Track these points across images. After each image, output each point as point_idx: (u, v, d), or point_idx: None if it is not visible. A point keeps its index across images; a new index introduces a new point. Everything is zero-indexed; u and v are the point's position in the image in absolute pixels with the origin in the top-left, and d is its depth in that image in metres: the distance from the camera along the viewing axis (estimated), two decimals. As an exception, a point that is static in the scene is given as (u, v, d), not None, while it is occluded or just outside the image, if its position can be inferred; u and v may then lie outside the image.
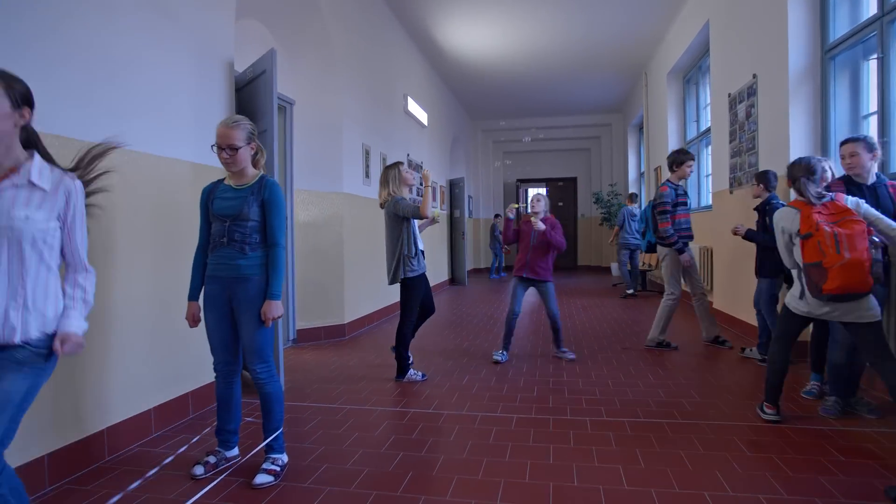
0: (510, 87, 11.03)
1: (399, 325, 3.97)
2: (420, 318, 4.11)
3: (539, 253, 4.31)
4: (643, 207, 9.20)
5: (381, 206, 4.02)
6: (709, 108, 7.37)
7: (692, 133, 8.02)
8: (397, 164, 4.05)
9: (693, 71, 7.85)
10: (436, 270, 9.70)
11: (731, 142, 5.48)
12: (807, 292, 2.73)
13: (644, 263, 9.68)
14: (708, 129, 7.08)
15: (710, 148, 7.38)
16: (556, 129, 14.10)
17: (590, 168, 14.67)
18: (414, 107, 8.24)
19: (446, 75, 10.13)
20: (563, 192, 14.84)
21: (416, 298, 3.93)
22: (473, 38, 8.30)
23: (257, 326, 2.32)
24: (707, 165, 7.50)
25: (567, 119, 13.73)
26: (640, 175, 12.17)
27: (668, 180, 4.79)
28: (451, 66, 9.56)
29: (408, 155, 8.01)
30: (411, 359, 4.27)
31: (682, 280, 4.78)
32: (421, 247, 4.04)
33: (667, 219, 4.61)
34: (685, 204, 4.70)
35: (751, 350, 4.40)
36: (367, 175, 6.21)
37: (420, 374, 3.92)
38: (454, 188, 11.06)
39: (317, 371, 4.20)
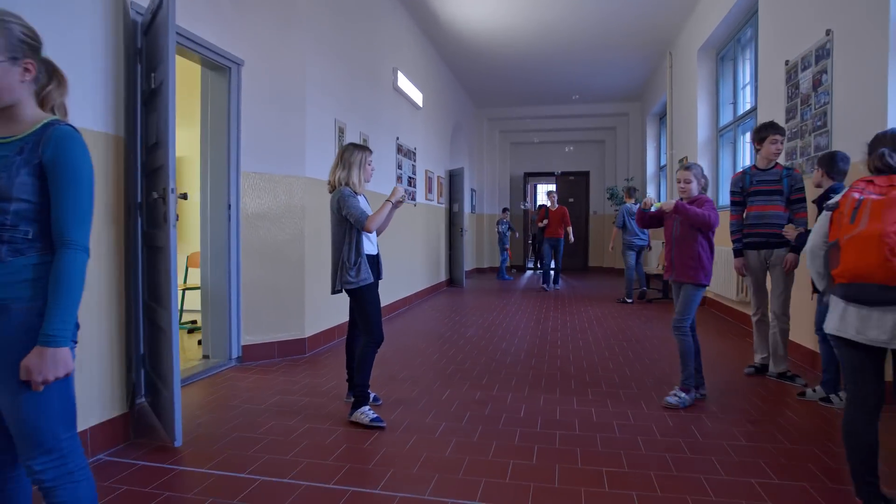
0: (517, 71, 9.94)
1: (360, 349, 2.99)
2: (350, 338, 3.26)
3: (683, 244, 3.16)
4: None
5: (330, 189, 3.07)
6: (748, 88, 6.28)
7: (727, 118, 6.91)
8: (366, 149, 3.09)
9: (730, 45, 6.73)
10: (431, 271, 8.67)
11: (787, 121, 4.39)
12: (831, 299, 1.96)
13: (661, 265, 8.58)
14: (750, 111, 5.98)
15: (749, 134, 6.29)
16: (568, 119, 12.99)
17: (604, 161, 13.54)
18: (405, 84, 7.19)
19: (446, 53, 9.06)
20: (574, 187, 13.73)
21: (371, 310, 2.98)
22: (475, 8, 7.23)
23: (23, 391, 1.29)
24: (746, 155, 6.41)
25: (580, 108, 12.60)
26: (661, 169, 11.05)
27: (750, 165, 3.81)
28: (449, 40, 8.48)
29: (397, 139, 6.97)
30: (374, 396, 3.26)
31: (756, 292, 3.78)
32: (371, 251, 3.08)
33: (736, 211, 3.73)
34: (769, 192, 3.60)
35: (813, 390, 3.35)
36: (341, 158, 5.17)
37: (372, 414, 2.88)
38: (453, 180, 10.00)
39: (248, 406, 3.18)
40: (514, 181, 14.00)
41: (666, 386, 3.55)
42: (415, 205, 7.74)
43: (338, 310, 5.09)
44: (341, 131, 5.19)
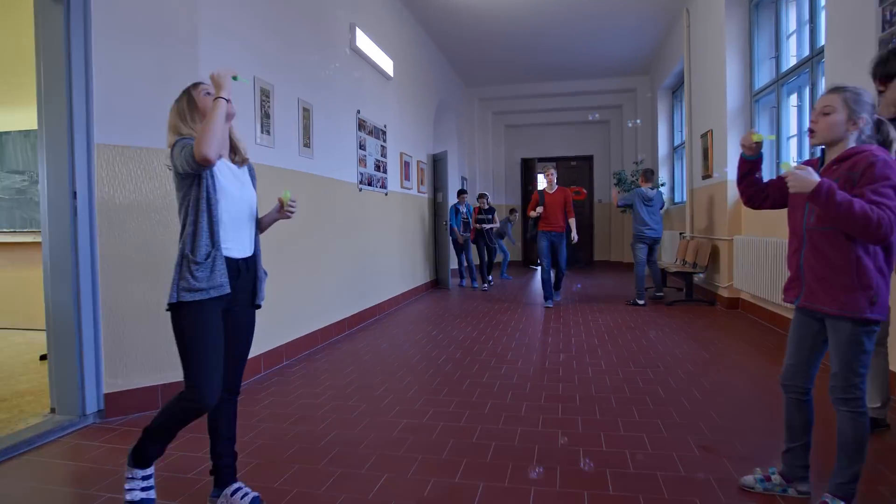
0: (509, 41, 8.62)
1: (170, 400, 1.87)
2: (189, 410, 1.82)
3: (826, 242, 1.75)
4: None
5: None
6: (794, 37, 4.97)
7: (765, 77, 5.59)
8: (188, 90, 1.89)
9: (769, -15, 5.41)
10: (410, 272, 7.38)
11: (881, 58, 3.08)
12: None
13: (680, 260, 7.31)
14: (800, 65, 4.66)
15: (796, 95, 4.98)
16: (568, 98, 11.63)
17: (609, 144, 12.21)
18: (369, 46, 5.88)
19: (425, 18, 7.72)
20: (576, 173, 12.41)
21: (195, 345, 1.75)
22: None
23: None
24: (791, 121, 5.10)
25: (581, 84, 11.24)
26: (675, 149, 9.74)
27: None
28: (427, 2, 7.17)
29: (358, 112, 5.67)
30: (244, 493, 1.99)
31: None
32: (237, 251, 1.89)
33: None
34: None
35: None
36: (265, 129, 3.89)
37: (137, 494, 1.69)
38: (437, 165, 8.69)
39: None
40: (510, 168, 12.68)
41: (733, 461, 2.26)
42: (386, 194, 6.46)
43: (262, 331, 3.83)
44: (265, 94, 3.89)
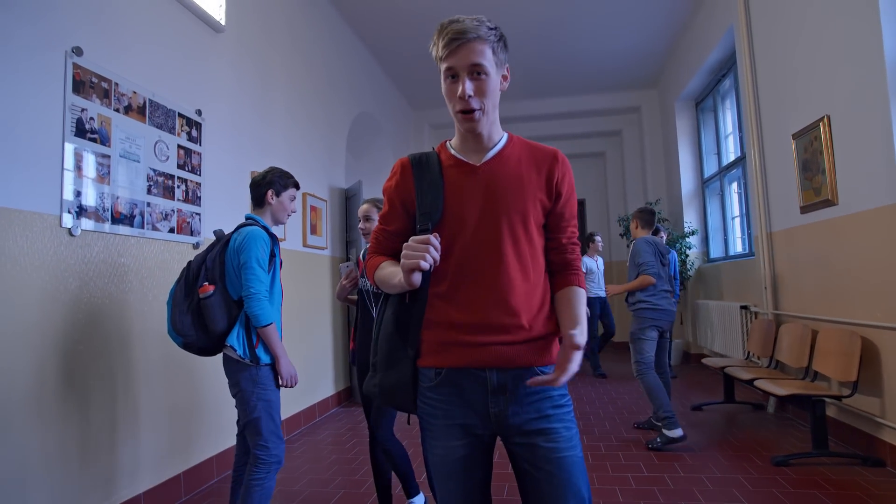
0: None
1: None
2: None
3: None
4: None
5: None
6: None
7: None
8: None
9: None
10: (307, 380, 3.98)
11: None
12: None
13: (764, 360, 4.20)
14: None
15: None
16: (548, 123, 8.71)
17: (605, 182, 9.23)
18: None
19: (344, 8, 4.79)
20: (563, 222, 9.33)
21: None
22: None
23: None
24: None
25: (565, 103, 8.35)
26: (705, 182, 6.73)
27: None
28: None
29: (74, 52, 2.47)
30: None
31: None
32: None
33: None
34: None
35: None
36: None
37: None
38: (349, 203, 5.48)
39: None
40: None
41: None
42: (196, 245, 3.19)
43: None
44: None
